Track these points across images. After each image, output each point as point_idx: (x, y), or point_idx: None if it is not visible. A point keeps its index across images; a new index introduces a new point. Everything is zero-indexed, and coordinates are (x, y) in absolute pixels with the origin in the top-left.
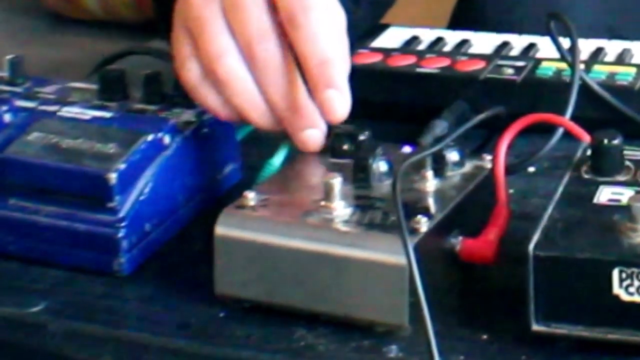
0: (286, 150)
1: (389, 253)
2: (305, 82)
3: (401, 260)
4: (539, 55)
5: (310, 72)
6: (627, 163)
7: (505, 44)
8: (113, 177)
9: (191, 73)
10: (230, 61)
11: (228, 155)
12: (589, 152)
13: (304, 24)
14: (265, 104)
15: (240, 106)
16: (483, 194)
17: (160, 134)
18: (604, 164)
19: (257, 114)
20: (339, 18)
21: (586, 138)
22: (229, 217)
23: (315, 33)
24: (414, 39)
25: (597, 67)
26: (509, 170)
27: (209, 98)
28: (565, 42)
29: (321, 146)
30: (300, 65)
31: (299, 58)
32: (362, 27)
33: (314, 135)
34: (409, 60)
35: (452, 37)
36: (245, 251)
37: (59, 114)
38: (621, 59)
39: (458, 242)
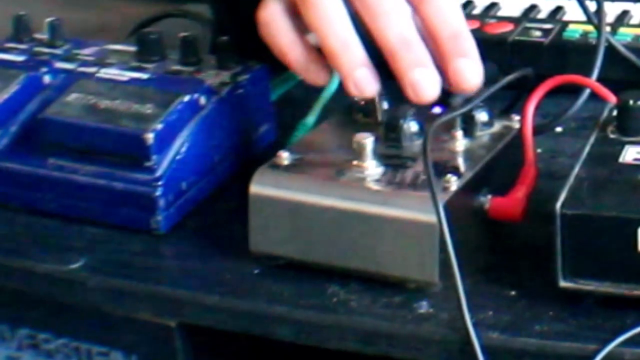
0: (320, 109)
1: (420, 211)
2: None
3: (431, 218)
4: (565, 18)
5: (443, 44)
6: None
7: (533, 7)
8: (150, 137)
9: (270, 6)
10: None
11: (262, 116)
12: (614, 113)
13: (433, 0)
14: (357, 45)
15: (330, 41)
16: (511, 153)
17: (196, 95)
18: (630, 124)
19: (350, 54)
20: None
21: (612, 99)
22: (263, 176)
23: (446, 7)
24: None
25: (622, 30)
26: (537, 130)
27: (283, 34)
28: (592, 5)
29: (433, 96)
30: (430, 37)
31: (430, 31)
32: None
33: (427, 76)
34: None
35: (481, 0)
36: (279, 209)
37: (97, 75)
38: None
39: (487, 200)
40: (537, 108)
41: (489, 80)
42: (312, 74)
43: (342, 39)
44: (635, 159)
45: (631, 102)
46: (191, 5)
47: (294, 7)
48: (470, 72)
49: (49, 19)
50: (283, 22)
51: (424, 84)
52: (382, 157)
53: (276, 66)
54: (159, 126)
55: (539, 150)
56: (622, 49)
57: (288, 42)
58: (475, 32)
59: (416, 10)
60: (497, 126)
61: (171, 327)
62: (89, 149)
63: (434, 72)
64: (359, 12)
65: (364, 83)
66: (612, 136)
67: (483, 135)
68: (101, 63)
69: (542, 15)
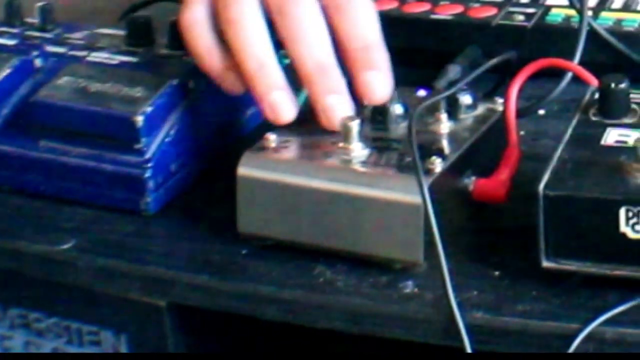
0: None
1: (405, 192)
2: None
3: (416, 199)
4: (548, 2)
5: (353, 55)
6: (633, 106)
7: None
8: (140, 119)
9: (194, 11)
10: (246, 6)
11: (250, 99)
12: (596, 96)
13: (347, 9)
14: (275, 67)
15: (246, 61)
16: (495, 135)
17: (185, 79)
18: (611, 107)
19: (266, 76)
20: (373, 4)
21: (594, 82)
22: (251, 158)
23: (359, 17)
24: None
25: (604, 14)
26: (520, 113)
27: (202, 40)
28: None
29: (343, 122)
30: (341, 48)
31: (342, 42)
32: None
33: (338, 102)
34: (424, 7)
35: None
36: (267, 191)
37: (87, 59)
38: (627, 6)
39: (471, 182)
40: (520, 91)
41: (473, 64)
42: (228, 83)
43: (259, 60)
44: (617, 141)
45: (612, 85)
46: None
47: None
48: (379, 85)
49: (40, 4)
50: (203, 28)
51: (335, 110)
52: (367, 140)
53: None
54: (148, 109)
55: (522, 133)
56: (604, 33)
57: (206, 48)
58: (459, 16)
59: (329, 19)
60: (481, 109)
61: (160, 307)
62: (79, 132)
63: (346, 98)
64: (279, 32)
65: (279, 107)
66: (594, 119)
67: (467, 118)
68: (91, 47)
69: None
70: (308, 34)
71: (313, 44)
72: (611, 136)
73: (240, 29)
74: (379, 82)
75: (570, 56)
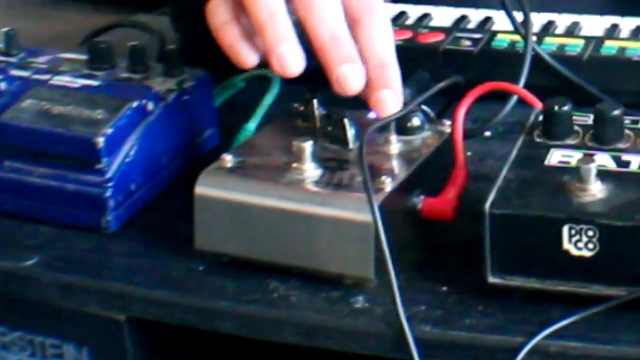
0: (261, 115)
1: (356, 211)
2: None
3: (367, 217)
4: (494, 28)
5: (370, 71)
6: (576, 128)
7: (463, 18)
8: (100, 140)
9: (220, 12)
10: None
11: (207, 121)
12: (540, 118)
13: (368, 23)
14: (285, 19)
15: (257, 11)
16: (443, 156)
17: (144, 101)
18: (555, 129)
19: (276, 27)
20: (390, 22)
21: (538, 105)
22: (208, 178)
23: (378, 35)
24: None
25: (548, 39)
26: (467, 134)
27: (219, 16)
28: (519, 16)
29: (358, 88)
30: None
31: (360, 55)
32: None
33: (353, 71)
34: None
35: (414, 11)
36: (223, 209)
37: (50, 82)
38: (570, 31)
39: (420, 200)
40: (467, 113)
41: (421, 87)
42: (239, 54)
43: (270, 9)
44: (560, 162)
45: (556, 107)
46: (140, 16)
47: None
48: (391, 102)
49: (4, 29)
50: (222, 7)
51: (350, 78)
52: (320, 160)
53: (220, 74)
54: (109, 130)
55: (469, 153)
56: (548, 58)
57: (222, 22)
58: (409, 42)
59: (351, 30)
60: (430, 130)
61: (120, 321)
62: (43, 152)
63: (360, 67)
64: (295, 4)
65: (287, 59)
66: (538, 140)
67: (416, 139)
68: (54, 71)
69: (472, 25)
70: (323, 5)
71: (327, 15)
72: (555, 157)
73: None
74: (392, 100)
75: (515, 80)
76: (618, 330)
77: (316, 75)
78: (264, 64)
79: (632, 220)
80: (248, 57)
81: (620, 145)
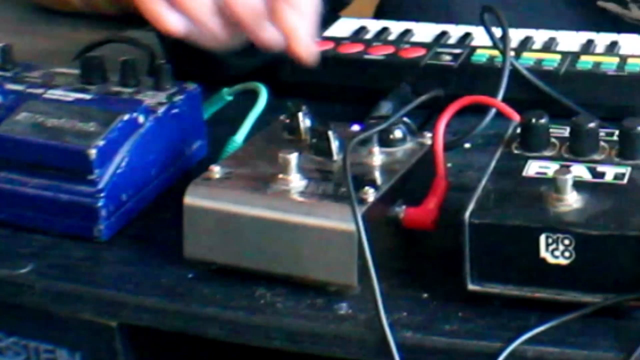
0: (248, 127)
1: (340, 221)
2: None
3: (351, 227)
4: (474, 43)
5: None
6: (553, 140)
7: (443, 33)
8: (93, 152)
9: None
10: None
11: (195, 133)
12: (518, 130)
13: None
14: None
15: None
16: (424, 167)
17: (135, 114)
18: (532, 141)
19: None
20: None
21: (516, 117)
22: (196, 189)
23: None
24: (362, 29)
25: (525, 54)
26: (447, 146)
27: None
28: (497, 32)
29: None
30: None
31: None
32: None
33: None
34: (358, 48)
35: (396, 27)
36: (211, 219)
37: (44, 96)
38: (547, 47)
39: (402, 210)
40: (447, 126)
41: (403, 101)
42: (215, 30)
43: None
44: (537, 173)
45: (533, 120)
46: (132, 32)
47: None
48: (301, 28)
49: (0, 45)
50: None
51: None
52: (305, 171)
53: (209, 87)
54: (101, 142)
55: (449, 165)
56: (525, 72)
57: (198, 2)
58: (391, 57)
59: None
60: (411, 142)
61: (112, 327)
62: (37, 164)
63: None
64: None
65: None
66: (516, 152)
67: (398, 150)
68: (48, 85)
69: (452, 41)
70: None
71: None
72: (532, 168)
73: None
74: (300, 25)
75: (494, 93)
76: (593, 336)
77: (303, 89)
78: (251, 77)
79: (607, 230)
80: (222, 36)
81: (596, 157)
